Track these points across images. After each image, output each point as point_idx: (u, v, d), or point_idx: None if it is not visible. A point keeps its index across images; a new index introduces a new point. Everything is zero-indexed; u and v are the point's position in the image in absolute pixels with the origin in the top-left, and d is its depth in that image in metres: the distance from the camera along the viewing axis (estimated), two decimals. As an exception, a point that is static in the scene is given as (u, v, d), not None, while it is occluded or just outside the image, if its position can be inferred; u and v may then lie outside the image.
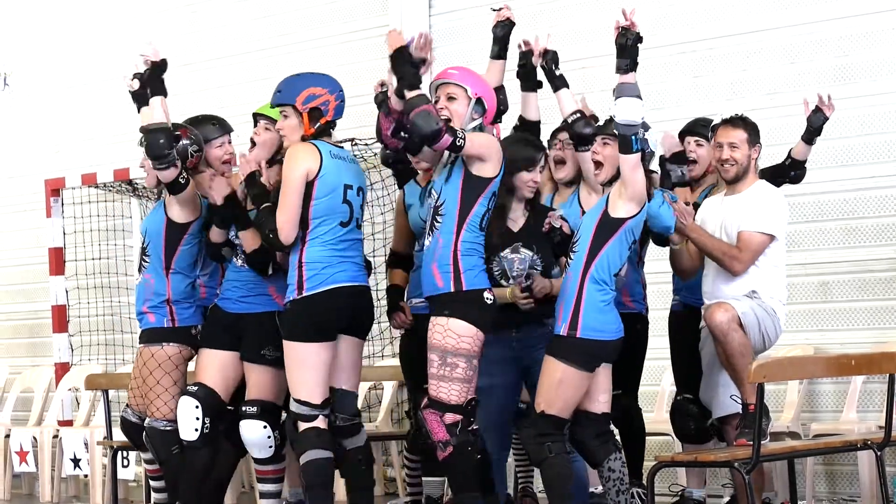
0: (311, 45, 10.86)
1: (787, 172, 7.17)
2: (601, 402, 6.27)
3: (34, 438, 10.35)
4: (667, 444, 8.41)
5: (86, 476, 10.03)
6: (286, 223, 6.41)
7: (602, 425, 6.28)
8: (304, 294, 6.42)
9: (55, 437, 10.22)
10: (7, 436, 10.57)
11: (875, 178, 8.38)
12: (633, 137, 6.06)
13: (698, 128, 7.12)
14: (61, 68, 12.35)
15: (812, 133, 7.09)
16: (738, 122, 6.69)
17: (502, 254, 6.51)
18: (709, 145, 6.97)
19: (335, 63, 10.65)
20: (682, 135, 7.18)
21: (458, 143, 6.17)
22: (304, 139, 6.55)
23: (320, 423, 6.44)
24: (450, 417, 6.25)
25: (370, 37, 10.43)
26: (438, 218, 6.30)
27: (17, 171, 12.45)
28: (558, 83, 6.90)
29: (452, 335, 6.20)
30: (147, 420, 7.12)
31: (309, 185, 6.44)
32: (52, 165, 11.78)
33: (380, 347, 9.85)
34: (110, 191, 10.99)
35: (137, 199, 10.94)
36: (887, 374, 6.74)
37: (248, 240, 6.82)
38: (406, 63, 6.29)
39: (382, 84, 7.02)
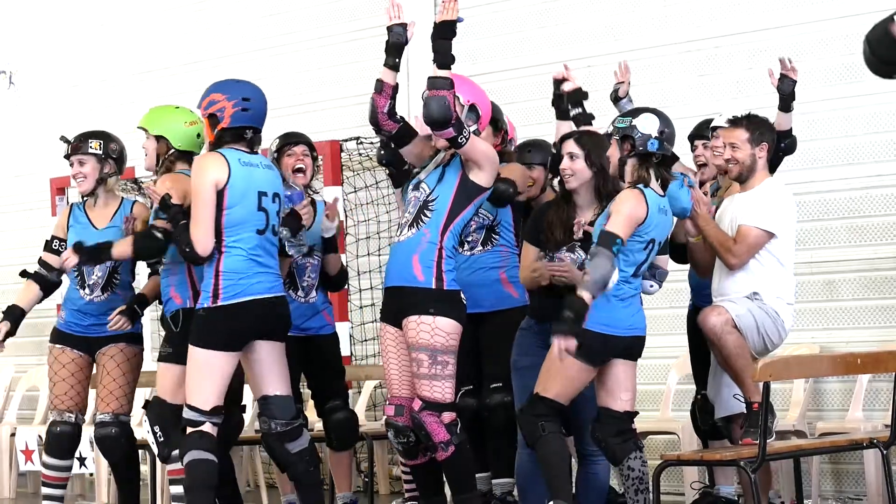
0: (316, 44, 10.86)
1: (777, 147, 7.12)
2: (623, 401, 6.20)
3: (40, 437, 10.33)
4: (672, 442, 8.41)
5: (91, 475, 10.04)
6: (200, 235, 6.35)
7: (623, 423, 6.19)
8: (219, 304, 6.35)
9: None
10: (13, 434, 10.58)
11: (881, 176, 8.37)
12: None
13: (705, 131, 7.13)
14: (67, 67, 12.36)
15: (786, 100, 7.04)
16: (740, 121, 6.69)
17: (559, 253, 6.42)
18: None
19: (340, 62, 10.66)
20: (692, 139, 7.20)
21: (459, 140, 6.17)
22: (211, 145, 6.53)
23: (207, 427, 6.37)
24: (447, 416, 6.26)
25: (375, 35, 10.37)
26: (427, 213, 6.30)
27: (23, 169, 12.46)
28: (580, 119, 6.82)
29: (441, 333, 6.21)
30: (121, 417, 7.23)
31: (219, 195, 6.37)
32: (57, 164, 11.75)
33: (385, 346, 9.84)
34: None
35: (143, 197, 10.94)
36: (893, 373, 6.73)
37: (123, 251, 6.82)
38: (447, 39, 6.27)
39: None
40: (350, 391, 9.68)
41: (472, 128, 6.35)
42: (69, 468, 7.50)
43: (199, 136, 6.86)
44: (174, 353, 6.74)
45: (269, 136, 7.70)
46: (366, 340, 10.09)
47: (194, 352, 6.38)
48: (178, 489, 6.80)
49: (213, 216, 6.36)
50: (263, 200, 6.44)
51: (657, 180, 6.20)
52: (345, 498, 7.52)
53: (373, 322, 10.02)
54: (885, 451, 6.75)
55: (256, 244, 6.41)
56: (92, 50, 12.22)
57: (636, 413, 6.30)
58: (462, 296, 6.32)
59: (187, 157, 6.88)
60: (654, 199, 6.16)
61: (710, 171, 7.15)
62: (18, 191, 12.44)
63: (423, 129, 6.43)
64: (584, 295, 5.89)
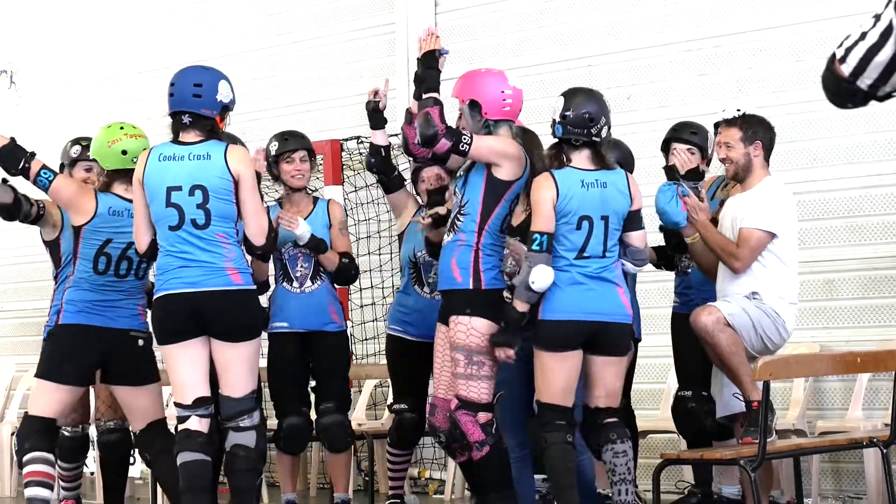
0: (317, 43, 10.87)
1: None
2: (595, 397, 6.23)
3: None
4: (672, 441, 8.41)
5: (92, 473, 10.03)
6: (135, 233, 6.47)
7: (595, 418, 6.21)
8: (154, 297, 6.45)
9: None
10: (14, 433, 10.58)
11: (881, 175, 8.38)
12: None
13: (687, 134, 7.11)
14: (68, 67, 12.37)
15: None
16: (735, 121, 6.70)
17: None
18: (699, 152, 7.00)
19: (341, 61, 10.67)
20: (668, 141, 7.15)
21: (461, 148, 6.17)
22: None
23: (193, 423, 6.36)
24: (483, 416, 6.28)
25: (376, 35, 10.45)
26: (460, 217, 6.31)
27: (24, 169, 12.44)
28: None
29: (476, 333, 6.20)
30: (126, 423, 7.31)
31: (143, 192, 6.44)
32: (58, 163, 11.77)
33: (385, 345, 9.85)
34: (116, 189, 11.01)
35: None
36: (893, 372, 6.73)
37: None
38: (430, 67, 6.32)
39: (375, 93, 7.10)
40: (350, 390, 9.69)
41: (481, 121, 6.32)
42: (82, 465, 7.70)
43: (124, 152, 6.86)
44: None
45: (270, 136, 7.73)
46: (366, 340, 10.09)
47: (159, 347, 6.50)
48: (29, 492, 6.89)
49: (144, 213, 6.43)
50: (173, 196, 6.35)
51: (593, 160, 6.20)
52: (339, 498, 7.53)
53: (373, 321, 10.03)
54: (884, 450, 6.75)
55: (173, 240, 6.36)
56: (92, 50, 12.23)
57: (613, 409, 6.26)
58: (505, 294, 6.30)
59: (124, 175, 6.92)
60: (573, 175, 6.17)
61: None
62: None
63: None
64: (516, 303, 6.10)
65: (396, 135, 9.76)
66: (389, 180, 7.42)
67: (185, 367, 6.35)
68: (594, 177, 6.18)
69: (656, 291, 7.41)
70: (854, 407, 8.18)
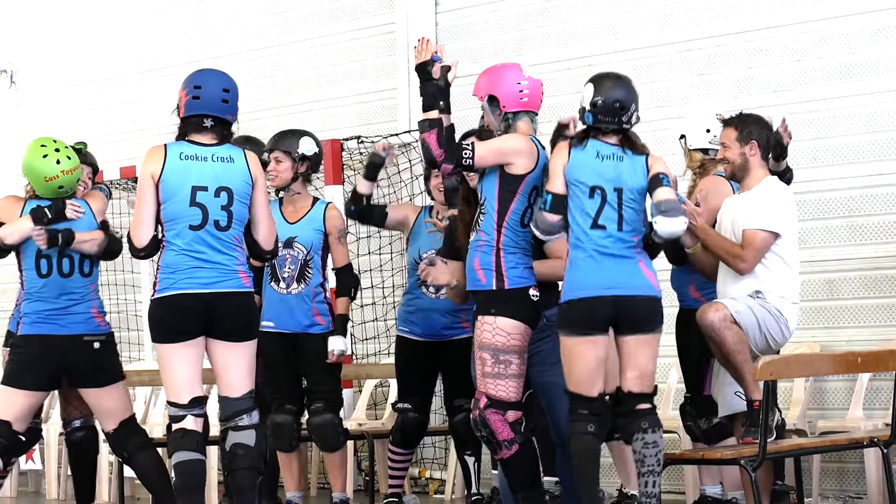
0: (317, 43, 10.86)
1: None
2: (627, 380, 6.15)
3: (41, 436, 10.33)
4: (673, 441, 8.41)
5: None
6: (135, 227, 6.43)
7: (625, 405, 6.15)
8: (155, 296, 6.40)
9: (61, 434, 10.21)
10: (14, 433, 10.58)
11: (881, 175, 8.38)
12: None
13: None
14: (68, 66, 12.36)
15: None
16: (731, 121, 6.71)
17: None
18: None
19: (341, 60, 10.67)
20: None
21: (464, 163, 6.18)
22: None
23: (189, 423, 6.37)
24: (512, 415, 6.28)
25: (376, 34, 10.44)
26: (481, 216, 6.31)
27: (24, 169, 12.44)
28: None
29: (502, 333, 6.21)
30: (89, 419, 7.38)
31: (156, 189, 6.38)
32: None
33: (385, 345, 9.85)
34: (116, 188, 10.98)
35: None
36: (894, 372, 6.73)
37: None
38: (426, 80, 6.27)
39: (385, 149, 7.35)
40: (351, 390, 9.69)
41: (501, 114, 6.31)
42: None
43: (60, 187, 7.03)
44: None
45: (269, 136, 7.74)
46: (366, 339, 10.09)
47: (155, 345, 6.51)
48: None
49: (151, 209, 6.39)
50: (199, 195, 6.36)
51: (620, 142, 6.21)
52: (336, 498, 7.54)
53: (373, 321, 10.02)
54: (885, 450, 6.76)
55: (191, 239, 6.36)
56: (92, 50, 12.22)
57: (646, 395, 6.18)
58: (531, 292, 6.29)
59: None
60: (590, 145, 6.16)
61: None
62: (19, 190, 12.41)
63: None
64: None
65: (395, 134, 9.81)
66: (372, 219, 7.57)
67: (183, 366, 6.36)
68: (612, 150, 6.18)
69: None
70: (855, 407, 8.18)
